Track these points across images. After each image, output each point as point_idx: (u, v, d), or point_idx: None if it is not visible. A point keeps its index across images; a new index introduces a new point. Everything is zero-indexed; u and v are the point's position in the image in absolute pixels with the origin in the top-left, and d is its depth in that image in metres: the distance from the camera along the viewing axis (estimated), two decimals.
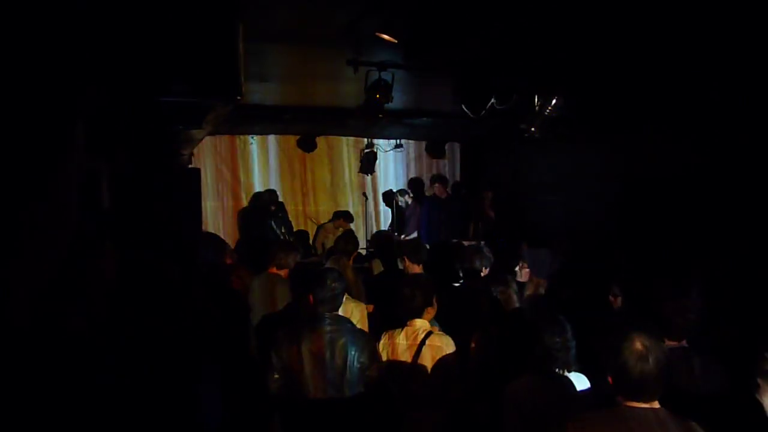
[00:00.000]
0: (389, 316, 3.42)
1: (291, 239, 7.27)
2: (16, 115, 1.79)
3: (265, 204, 7.88)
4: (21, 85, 1.86)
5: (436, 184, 7.70)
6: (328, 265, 4.53)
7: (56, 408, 1.51)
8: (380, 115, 5.80)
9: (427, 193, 8.27)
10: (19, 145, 1.79)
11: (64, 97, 2.30)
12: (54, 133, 2.15)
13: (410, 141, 9.35)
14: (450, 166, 9.63)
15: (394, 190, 8.78)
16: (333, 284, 2.99)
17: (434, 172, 9.23)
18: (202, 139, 7.10)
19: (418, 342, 3.11)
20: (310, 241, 8.04)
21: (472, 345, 3.12)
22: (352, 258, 4.78)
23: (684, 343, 2.60)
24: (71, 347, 1.59)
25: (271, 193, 8.17)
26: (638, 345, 1.90)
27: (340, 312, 3.15)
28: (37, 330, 1.63)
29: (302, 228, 8.39)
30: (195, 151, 7.56)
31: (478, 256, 4.23)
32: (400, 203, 7.92)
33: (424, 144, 9.36)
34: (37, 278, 1.77)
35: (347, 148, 9.08)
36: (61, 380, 1.54)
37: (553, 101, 4.96)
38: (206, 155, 8.31)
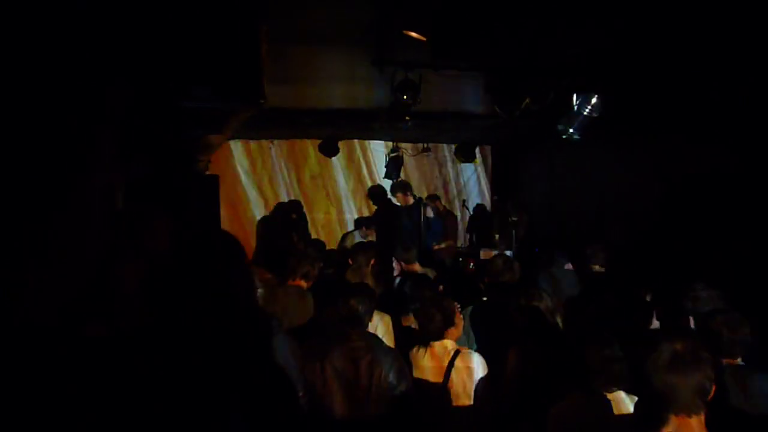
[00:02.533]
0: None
1: (307, 249, 7.42)
2: (42, 116, 1.86)
3: (287, 213, 7.99)
4: (48, 85, 1.92)
5: (398, 194, 7.65)
6: (348, 276, 4.56)
7: (57, 415, 1.54)
8: (407, 118, 5.83)
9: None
10: (47, 147, 1.86)
11: (94, 97, 2.36)
12: (85, 135, 2.22)
13: (439, 144, 9.46)
14: (481, 170, 9.76)
15: (422, 197, 8.75)
16: (358, 305, 3.01)
17: (465, 176, 9.37)
18: (221, 145, 7.22)
19: (446, 363, 3.11)
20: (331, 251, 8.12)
21: (509, 363, 3.10)
22: (370, 265, 4.81)
23: (740, 360, 2.57)
24: (87, 354, 1.63)
25: (293, 202, 8.28)
26: (669, 354, 1.86)
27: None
28: (56, 337, 1.67)
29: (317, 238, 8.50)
30: (214, 157, 7.77)
31: (508, 269, 4.24)
32: (428, 213, 7.89)
33: (453, 147, 9.42)
34: (63, 287, 1.83)
35: (372, 152, 9.26)
36: (69, 389, 1.57)
37: (593, 100, 4.94)
38: (223, 161, 8.50)
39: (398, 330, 3.93)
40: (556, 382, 2.55)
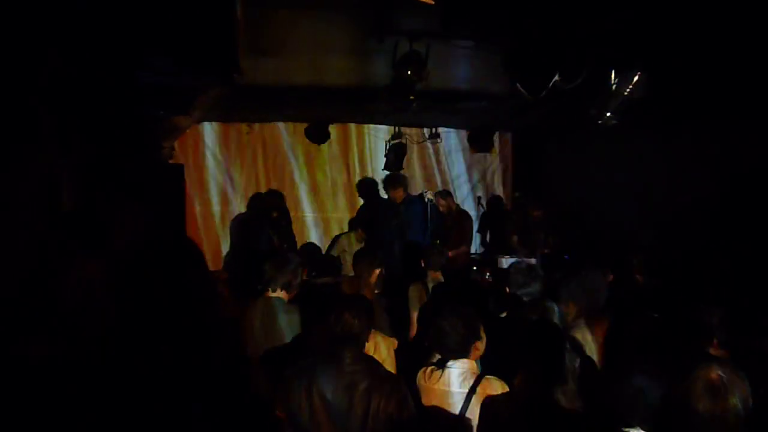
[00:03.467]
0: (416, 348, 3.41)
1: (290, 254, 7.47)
2: None
3: (266, 209, 7.97)
4: None
5: (389, 189, 7.69)
6: (344, 287, 4.68)
7: None
8: (411, 98, 5.79)
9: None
10: None
11: (23, 70, 2.31)
12: (11, 120, 2.17)
13: (449, 130, 9.45)
14: (500, 161, 9.82)
15: (425, 192, 8.76)
16: (354, 321, 3.04)
17: (480, 167, 9.40)
18: (187, 129, 7.22)
19: (467, 389, 3.10)
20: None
21: (514, 391, 3.14)
22: (374, 276, 4.86)
23: None
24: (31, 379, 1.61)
25: (274, 195, 8.28)
26: (704, 384, 1.91)
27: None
28: None
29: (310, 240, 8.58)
30: (179, 143, 7.80)
31: (531, 280, 4.28)
32: (441, 207, 7.89)
33: (466, 134, 9.47)
34: None
35: (369, 138, 9.25)
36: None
37: (634, 78, 4.93)
38: (191, 148, 8.54)
39: (403, 352, 3.97)
40: (563, 418, 2.57)
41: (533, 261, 6.44)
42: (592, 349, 3.64)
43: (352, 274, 5.31)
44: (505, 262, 6.89)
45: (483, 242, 9.03)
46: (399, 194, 7.47)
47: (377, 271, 4.91)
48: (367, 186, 8.68)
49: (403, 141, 9.02)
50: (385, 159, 9.07)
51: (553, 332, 3.38)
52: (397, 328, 4.65)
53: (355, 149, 9.27)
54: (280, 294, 4.40)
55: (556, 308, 3.57)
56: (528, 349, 3.31)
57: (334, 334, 3.02)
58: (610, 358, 3.48)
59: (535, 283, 4.27)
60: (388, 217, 7.44)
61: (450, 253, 7.23)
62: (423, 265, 5.42)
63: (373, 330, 3.46)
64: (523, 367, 3.21)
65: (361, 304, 3.17)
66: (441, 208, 7.92)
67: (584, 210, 8.00)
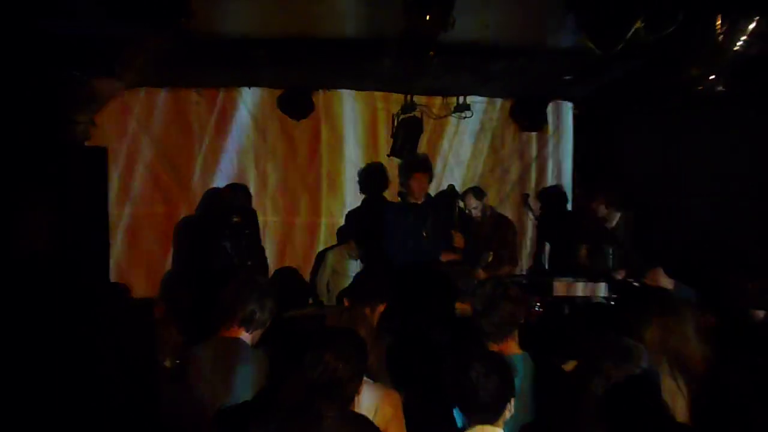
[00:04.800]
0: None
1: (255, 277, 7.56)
2: None
3: (224, 212, 8.13)
4: None
5: (410, 178, 7.66)
6: (330, 320, 4.79)
7: None
8: (431, 53, 5.81)
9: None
10: None
11: None
12: None
13: (483, 100, 9.45)
14: (555, 144, 9.80)
15: (456, 188, 8.75)
16: (337, 363, 3.16)
17: (527, 153, 9.46)
18: (113, 97, 7.31)
19: None
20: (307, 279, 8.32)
21: None
22: (377, 312, 5.00)
23: None
24: None
25: (235, 192, 8.47)
26: None
27: (356, 403, 3.31)
28: None
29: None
30: (101, 117, 7.81)
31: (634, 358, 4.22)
32: (472, 211, 7.93)
33: (507, 105, 9.46)
34: None
35: (368, 111, 9.26)
36: None
37: (750, 27, 4.91)
38: (119, 124, 8.61)
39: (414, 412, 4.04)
40: None
41: (602, 287, 6.68)
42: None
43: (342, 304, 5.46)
44: (563, 286, 6.93)
45: (537, 259, 9.19)
46: (423, 187, 7.57)
47: (382, 307, 5.04)
48: (373, 176, 8.82)
49: (418, 115, 9.02)
50: (392, 140, 9.07)
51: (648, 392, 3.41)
52: (406, 378, 4.68)
53: (349, 127, 9.27)
54: (240, 333, 4.46)
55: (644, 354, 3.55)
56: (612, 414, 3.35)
57: (311, 383, 3.10)
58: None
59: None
60: (403, 224, 7.49)
61: (485, 274, 7.45)
62: (447, 293, 5.54)
63: (370, 380, 3.61)
64: None
65: (349, 342, 3.29)
66: (472, 212, 7.99)
67: (675, 213, 8.03)
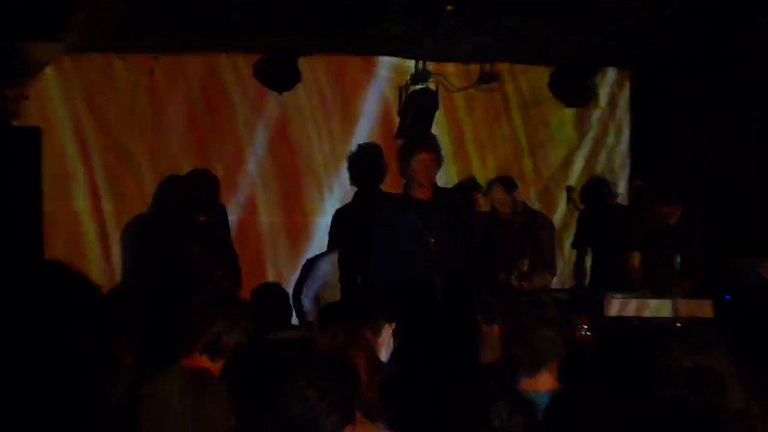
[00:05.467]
0: None
1: (233, 288, 7.69)
2: None
3: (185, 208, 8.15)
4: None
5: (421, 154, 7.23)
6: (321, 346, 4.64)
7: None
8: (447, 6, 5.88)
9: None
10: None
11: None
12: None
13: (515, 67, 9.49)
14: (606, 123, 9.88)
15: (477, 180, 8.77)
16: (317, 400, 3.14)
17: (570, 135, 9.62)
18: (49, 64, 7.39)
19: None
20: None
21: None
22: (385, 336, 5.02)
23: None
24: None
25: (200, 182, 8.36)
26: None
27: None
28: None
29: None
30: (35, 90, 7.89)
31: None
32: (499, 207, 7.86)
33: (545, 74, 9.51)
34: None
35: (369, 82, 9.33)
36: None
37: None
38: (58, 100, 8.62)
39: None
40: None
41: (667, 305, 6.78)
42: None
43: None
44: (617, 304, 6.94)
45: (578, 267, 9.17)
46: (429, 173, 7.25)
47: (390, 328, 5.02)
48: (365, 161, 8.70)
49: (432, 87, 8.99)
50: (399, 118, 9.05)
51: None
52: (409, 418, 4.53)
53: (344, 102, 9.34)
54: (205, 362, 4.36)
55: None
56: None
57: (285, 423, 3.10)
58: None
59: (676, 347, 4.19)
60: (402, 225, 7.21)
61: (519, 284, 7.56)
62: (465, 311, 5.56)
63: (367, 420, 3.62)
64: None
65: (337, 372, 3.26)
66: (500, 208, 7.94)
67: (746, 209, 8.18)
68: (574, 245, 9.06)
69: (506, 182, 8.13)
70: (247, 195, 9.08)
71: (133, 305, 7.12)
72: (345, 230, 8.36)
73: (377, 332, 4.92)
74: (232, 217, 8.71)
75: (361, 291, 6.60)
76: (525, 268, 7.61)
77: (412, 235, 7.11)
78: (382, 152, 8.75)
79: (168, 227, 8.10)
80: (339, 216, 8.85)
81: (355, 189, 9.03)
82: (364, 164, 8.74)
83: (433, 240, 7.10)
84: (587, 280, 9.24)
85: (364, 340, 4.68)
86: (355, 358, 4.06)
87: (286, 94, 8.90)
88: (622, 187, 9.72)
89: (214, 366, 4.32)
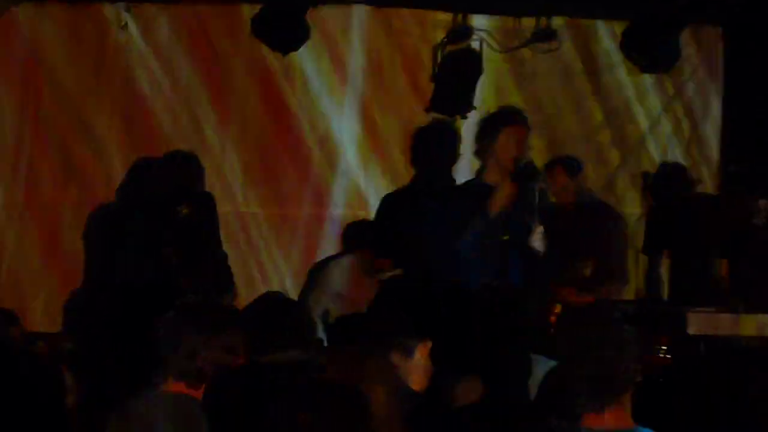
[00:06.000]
0: None
1: (221, 297, 7.53)
2: None
3: (162, 198, 8.02)
4: None
5: (512, 126, 7.02)
6: (332, 372, 4.28)
7: None
8: None
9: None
10: None
11: None
12: None
13: (578, 22, 9.76)
14: (692, 92, 10.03)
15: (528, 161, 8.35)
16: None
17: (649, 107, 9.82)
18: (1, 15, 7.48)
19: None
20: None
21: None
22: (420, 357, 4.60)
23: None
24: None
25: (181, 164, 8.30)
26: None
27: None
28: None
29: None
30: None
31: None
32: (560, 194, 7.78)
33: (617, 32, 9.55)
34: None
35: (397, 40, 9.52)
36: None
37: None
38: (6, 61, 8.98)
39: None
40: None
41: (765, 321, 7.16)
42: None
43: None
44: (704, 320, 7.06)
45: (652, 274, 8.81)
46: (521, 148, 7.00)
47: (426, 348, 4.54)
48: (438, 137, 8.40)
49: (474, 46, 9.08)
50: (433, 84, 8.96)
51: None
52: None
53: (365, 65, 9.50)
54: (179, 386, 4.14)
55: None
56: None
57: None
58: None
59: None
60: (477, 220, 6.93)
61: (579, 297, 7.41)
62: (510, 330, 5.33)
63: None
64: None
65: (345, 405, 2.98)
66: (561, 196, 7.95)
67: None
68: (644, 249, 8.82)
69: (568, 163, 8.02)
70: (240, 182, 8.96)
71: (97, 318, 7.39)
72: (396, 223, 7.97)
73: (408, 353, 4.45)
74: (224, 209, 8.61)
75: (383, 300, 6.58)
76: (588, 273, 7.40)
77: (480, 234, 6.85)
78: (455, 130, 8.30)
79: (140, 221, 7.86)
80: (389, 204, 8.43)
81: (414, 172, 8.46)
82: (433, 143, 8.23)
83: (506, 238, 6.81)
84: (664, 290, 9.05)
85: (385, 364, 4.23)
86: (371, 387, 3.56)
87: (292, 54, 8.90)
88: (706, 174, 9.65)
89: (195, 392, 4.09)
